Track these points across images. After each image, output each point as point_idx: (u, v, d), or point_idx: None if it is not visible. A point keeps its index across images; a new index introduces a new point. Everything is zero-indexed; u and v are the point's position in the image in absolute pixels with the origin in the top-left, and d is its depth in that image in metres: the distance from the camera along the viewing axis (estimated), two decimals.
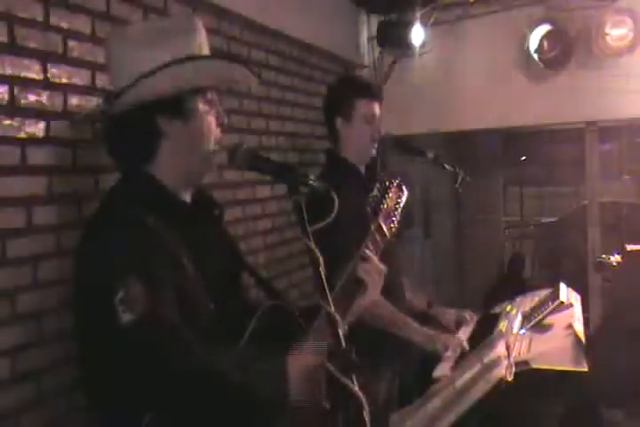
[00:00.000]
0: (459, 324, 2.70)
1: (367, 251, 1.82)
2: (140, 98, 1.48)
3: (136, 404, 1.37)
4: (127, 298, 1.31)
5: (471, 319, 2.69)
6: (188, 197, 1.61)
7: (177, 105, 1.52)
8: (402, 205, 2.05)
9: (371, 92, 2.71)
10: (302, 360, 1.44)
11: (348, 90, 2.76)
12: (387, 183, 2.04)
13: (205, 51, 1.62)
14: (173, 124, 1.53)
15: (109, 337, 1.35)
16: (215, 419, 1.37)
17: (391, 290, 2.46)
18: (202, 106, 1.56)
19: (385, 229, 1.96)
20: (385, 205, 1.99)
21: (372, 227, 1.91)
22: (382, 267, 1.82)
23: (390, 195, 2.02)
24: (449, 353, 2.34)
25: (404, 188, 2.12)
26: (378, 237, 1.91)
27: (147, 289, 1.33)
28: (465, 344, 2.36)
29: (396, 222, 2.02)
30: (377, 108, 2.68)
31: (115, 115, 1.52)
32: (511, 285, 6.32)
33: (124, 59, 1.53)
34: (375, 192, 2.00)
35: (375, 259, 1.82)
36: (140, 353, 1.33)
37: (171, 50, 1.51)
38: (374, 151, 2.70)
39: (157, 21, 1.66)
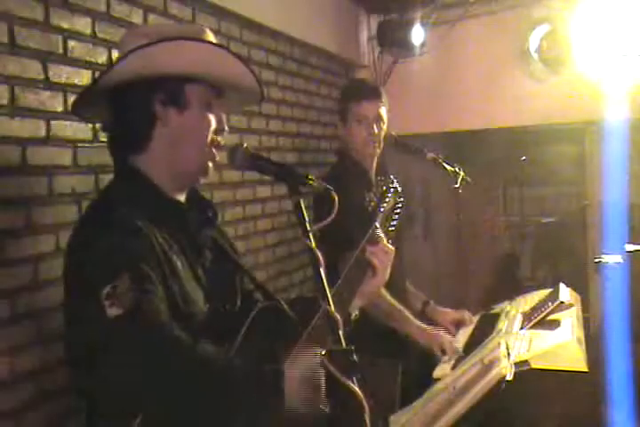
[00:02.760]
0: (458, 325, 2.68)
1: (377, 231, 1.78)
2: (137, 69, 1.46)
3: (124, 403, 1.36)
4: (114, 293, 1.31)
5: (470, 320, 2.68)
6: (182, 198, 1.60)
7: (174, 91, 1.51)
8: (399, 210, 2.05)
9: (360, 93, 2.74)
10: (299, 365, 1.41)
11: (342, 96, 2.88)
12: (384, 188, 2.04)
13: None
14: (168, 110, 1.52)
15: (95, 332, 1.34)
16: (204, 420, 1.34)
17: (393, 292, 2.46)
18: (200, 103, 1.55)
19: (382, 235, 1.96)
20: (382, 211, 1.99)
21: (369, 233, 1.91)
22: (390, 247, 1.77)
23: (388, 200, 2.02)
24: (445, 358, 2.33)
25: (401, 193, 2.12)
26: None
27: (134, 285, 1.32)
28: (458, 350, 2.34)
29: (392, 228, 2.02)
30: (368, 109, 2.70)
31: (110, 91, 1.50)
32: (505, 284, 6.30)
33: (127, 45, 1.52)
34: (373, 197, 2.00)
35: (384, 239, 1.77)
36: (125, 348, 1.31)
37: None
38: (375, 150, 2.71)
39: (169, 26, 1.67)
